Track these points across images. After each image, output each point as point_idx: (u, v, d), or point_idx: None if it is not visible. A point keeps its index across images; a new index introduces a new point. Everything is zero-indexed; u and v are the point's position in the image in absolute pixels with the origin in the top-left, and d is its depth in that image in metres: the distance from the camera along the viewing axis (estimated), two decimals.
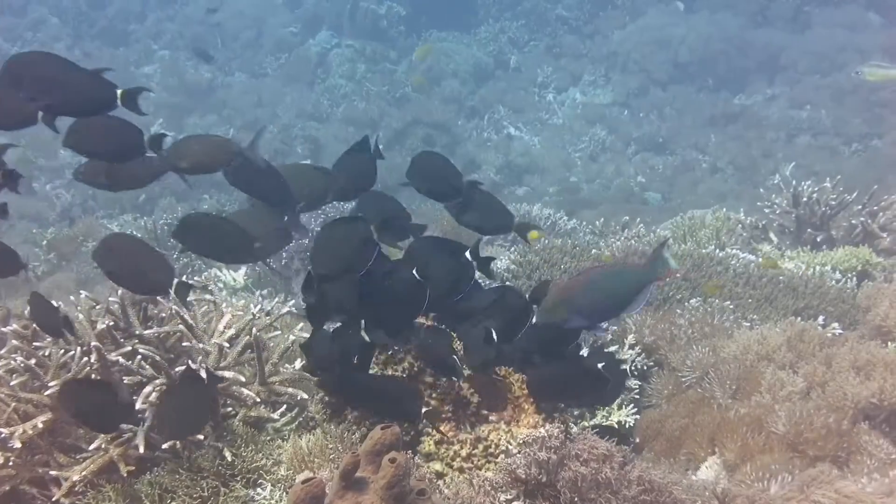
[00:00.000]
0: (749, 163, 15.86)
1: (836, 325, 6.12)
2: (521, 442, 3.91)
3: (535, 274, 6.91)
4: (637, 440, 5.27)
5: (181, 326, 4.22)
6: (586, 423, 5.17)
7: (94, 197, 14.10)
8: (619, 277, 3.82)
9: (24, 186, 3.91)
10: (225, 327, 4.27)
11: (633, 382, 5.65)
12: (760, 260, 7.45)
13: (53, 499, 3.85)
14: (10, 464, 3.86)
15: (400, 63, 21.36)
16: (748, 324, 6.25)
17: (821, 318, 6.23)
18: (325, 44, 21.97)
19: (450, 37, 22.09)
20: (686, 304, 6.51)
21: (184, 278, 4.69)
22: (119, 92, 3.69)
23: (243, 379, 3.96)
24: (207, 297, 4.58)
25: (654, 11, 20.88)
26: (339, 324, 4.01)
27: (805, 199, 8.58)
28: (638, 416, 5.40)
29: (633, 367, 5.76)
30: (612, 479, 3.47)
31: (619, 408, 5.39)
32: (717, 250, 7.60)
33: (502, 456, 4.00)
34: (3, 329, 4.35)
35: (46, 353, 4.13)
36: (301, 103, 19.49)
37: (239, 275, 7.92)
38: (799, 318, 6.10)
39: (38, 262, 10.06)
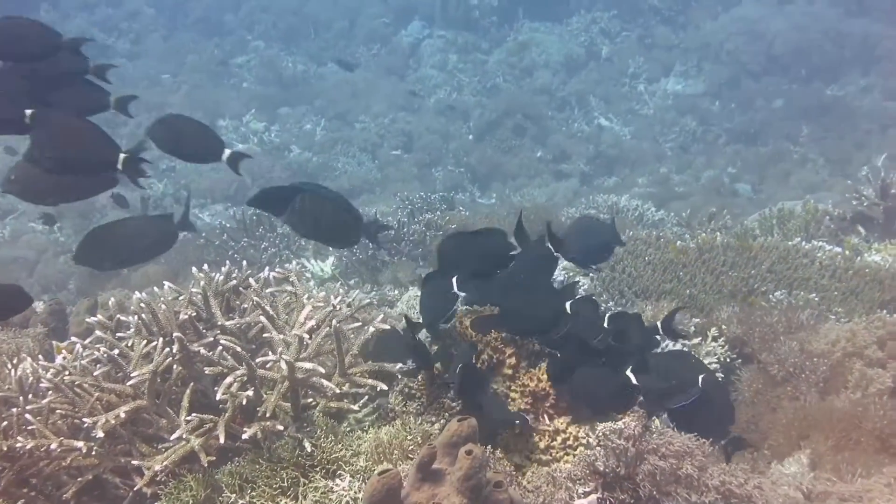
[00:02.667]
0: (841, 154, 15.65)
1: None
2: (599, 434, 3.89)
3: (619, 265, 6.89)
4: None
5: (262, 318, 4.25)
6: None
7: (186, 187, 14.26)
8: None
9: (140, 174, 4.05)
10: (305, 318, 4.28)
11: (717, 375, 5.60)
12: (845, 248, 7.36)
13: (136, 488, 3.90)
14: (94, 453, 3.90)
15: (491, 53, 21.35)
16: (833, 317, 6.17)
17: None
18: (416, 34, 22.09)
19: (542, 27, 22.05)
20: (770, 296, 6.44)
21: (268, 269, 4.76)
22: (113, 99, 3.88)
23: (323, 370, 3.97)
24: (289, 287, 4.60)
25: (747, 1, 20.71)
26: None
27: (894, 190, 8.45)
28: None
29: (717, 360, 5.71)
30: (695, 475, 3.44)
31: None
32: (804, 242, 7.50)
33: (581, 448, 3.99)
34: (88, 319, 4.41)
35: (129, 344, 4.19)
36: (393, 95, 19.53)
37: (327, 265, 7.97)
38: (885, 311, 6.01)
39: None
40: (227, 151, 4.10)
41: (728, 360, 5.78)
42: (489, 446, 3.94)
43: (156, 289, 4.62)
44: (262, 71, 20.90)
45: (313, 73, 21.20)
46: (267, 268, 4.82)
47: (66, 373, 4.05)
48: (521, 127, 17.50)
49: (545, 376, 4.21)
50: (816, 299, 6.40)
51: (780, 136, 16.90)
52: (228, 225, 10.01)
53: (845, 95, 17.81)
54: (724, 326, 5.93)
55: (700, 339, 5.78)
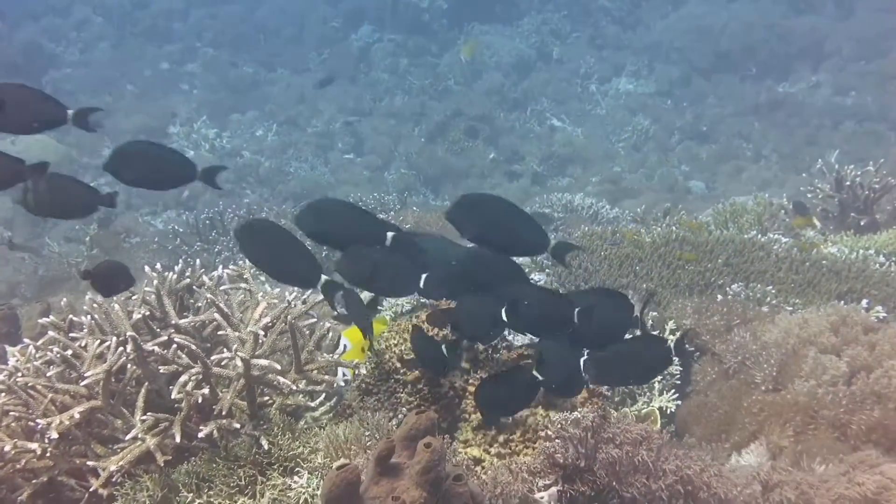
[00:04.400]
0: (793, 150, 15.81)
1: (880, 308, 6.03)
2: (557, 425, 3.87)
3: (574, 261, 6.88)
4: (678, 426, 5.24)
5: (217, 315, 4.21)
6: (627, 410, 5.14)
7: (138, 195, 14.20)
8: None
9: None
10: (260, 315, 4.25)
11: (675, 368, 5.59)
12: (798, 244, 7.39)
13: (91, 489, 3.85)
14: (48, 455, 3.86)
15: (442, 56, 21.40)
16: (791, 308, 6.17)
17: (864, 302, 6.15)
18: (367, 38, 22.06)
19: (492, 29, 22.05)
20: (728, 289, 6.45)
21: (221, 267, 4.72)
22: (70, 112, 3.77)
23: (279, 367, 3.95)
24: (243, 285, 4.57)
25: (695, 0, 20.82)
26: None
27: (848, 182, 8.50)
28: (679, 402, 5.35)
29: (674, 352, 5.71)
30: (650, 462, 3.43)
31: (661, 393, 5.35)
32: (759, 235, 7.52)
33: (541, 441, 3.97)
34: (41, 320, 4.36)
35: (83, 344, 4.14)
36: (343, 98, 19.52)
37: None
38: (842, 302, 6.03)
39: (80, 259, 10.13)
40: (199, 169, 3.99)
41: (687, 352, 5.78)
42: (447, 438, 3.93)
43: None
44: (211, 78, 20.83)
45: (263, 78, 21.15)
46: (221, 266, 4.79)
47: (19, 374, 4.00)
48: (473, 128, 17.55)
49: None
50: (773, 291, 6.41)
51: (732, 133, 17.01)
52: (181, 229, 9.97)
53: (797, 92, 17.93)
54: (672, 320, 5.94)
55: (658, 331, 5.79)
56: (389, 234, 3.84)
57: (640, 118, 18.08)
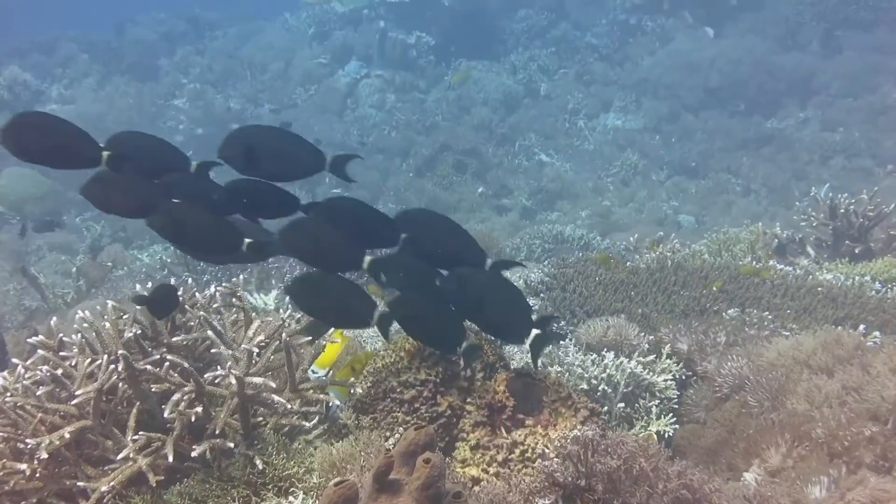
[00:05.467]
0: (782, 185, 15.86)
1: (877, 333, 5.99)
2: (556, 445, 3.82)
3: (570, 286, 6.85)
4: (675, 451, 5.18)
5: (210, 333, 4.15)
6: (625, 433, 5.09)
7: (124, 228, 14.16)
8: None
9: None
10: (254, 333, 4.19)
11: (672, 392, 5.54)
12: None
13: None
14: (38, 475, 3.78)
15: (430, 92, 21.49)
16: (788, 333, 6.13)
17: (862, 328, 6.10)
18: (354, 74, 22.12)
19: (479, 65, 22.15)
20: (724, 314, 6.41)
21: (214, 286, 4.65)
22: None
23: (274, 385, 3.88)
24: (236, 302, 4.51)
25: (682, 37, 20.97)
26: None
27: (842, 210, 8.48)
28: (677, 427, 5.30)
29: (672, 377, 5.65)
30: (648, 470, 3.37)
31: (658, 417, 5.30)
32: (754, 262, 7.49)
33: (539, 460, 3.92)
34: (30, 339, 4.29)
35: (73, 364, 4.07)
36: (330, 134, 19.53)
37: (270, 297, 7.88)
38: (839, 328, 5.99)
39: (67, 290, 10.07)
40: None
41: (683, 377, 5.72)
42: (447, 458, 3.88)
43: (98, 307, 4.51)
44: (198, 113, 20.82)
45: (250, 113, 21.16)
46: (213, 284, 4.73)
47: (8, 394, 3.93)
48: (461, 163, 17.58)
49: (501, 388, 4.17)
50: (770, 317, 6.37)
51: (721, 168, 17.07)
52: (169, 259, 9.93)
53: (785, 128, 18.01)
54: (668, 344, 5.89)
55: (654, 356, 5.73)
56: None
57: (628, 153, 18.09)
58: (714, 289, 6.82)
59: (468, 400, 4.20)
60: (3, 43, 23.93)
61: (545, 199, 16.79)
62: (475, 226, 14.86)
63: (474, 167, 17.57)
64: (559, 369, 5.27)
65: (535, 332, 3.97)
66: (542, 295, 6.85)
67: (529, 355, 4.20)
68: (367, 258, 3.94)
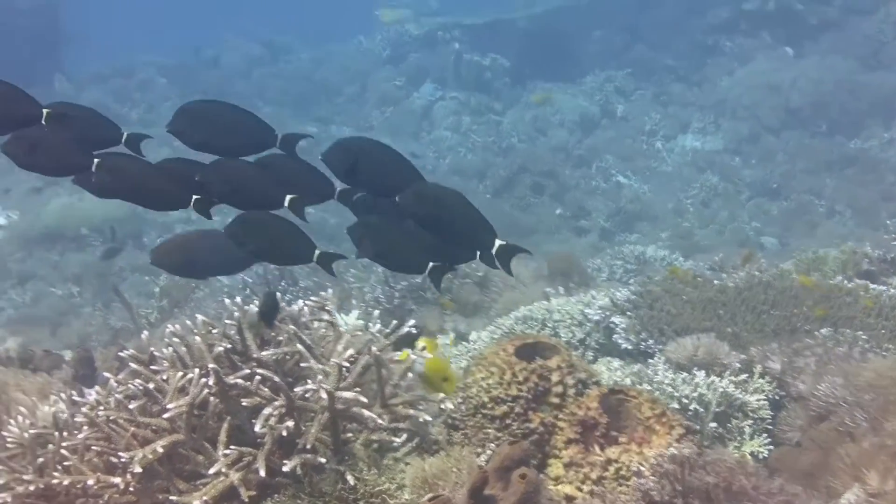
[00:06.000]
0: (869, 205, 15.59)
1: None
2: (652, 463, 3.75)
3: (657, 304, 6.77)
4: (770, 473, 5.07)
5: (300, 346, 4.12)
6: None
7: None
8: None
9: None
10: (344, 347, 4.16)
11: (765, 412, 5.43)
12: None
13: None
14: (131, 489, 3.78)
15: (505, 114, 21.43)
16: (884, 354, 6.00)
17: None
18: (429, 96, 22.17)
19: (555, 87, 22.09)
20: (816, 333, 6.28)
21: (302, 301, 4.63)
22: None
23: (365, 400, 3.84)
24: (325, 316, 4.47)
25: (762, 57, 20.72)
26: None
27: None
28: (772, 447, 5.18)
29: (765, 397, 5.54)
30: (749, 488, 3.29)
31: (752, 438, 5.19)
32: (846, 282, 7.35)
33: (634, 478, 3.84)
34: (121, 353, 4.29)
35: (164, 378, 4.06)
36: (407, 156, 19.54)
37: (351, 317, 7.86)
38: None
39: (150, 310, 10.14)
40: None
41: (777, 396, 5.62)
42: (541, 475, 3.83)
43: (188, 322, 4.49)
44: None
45: (325, 136, 21.26)
46: (301, 300, 4.70)
47: (101, 408, 3.93)
48: (539, 184, 17.51)
49: (594, 404, 4.10)
50: (864, 336, 6.23)
51: (804, 189, 16.84)
52: (250, 280, 9.95)
53: (869, 148, 17.73)
54: (760, 363, 5.78)
55: (746, 375, 5.63)
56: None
57: (707, 175, 17.93)
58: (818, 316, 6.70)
59: (560, 416, 4.15)
60: (86, 67, 24.31)
61: (624, 220, 16.70)
62: (555, 247, 14.77)
63: (552, 189, 17.50)
64: (649, 388, 5.19)
65: (498, 242, 3.89)
66: (628, 313, 6.77)
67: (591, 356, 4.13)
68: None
